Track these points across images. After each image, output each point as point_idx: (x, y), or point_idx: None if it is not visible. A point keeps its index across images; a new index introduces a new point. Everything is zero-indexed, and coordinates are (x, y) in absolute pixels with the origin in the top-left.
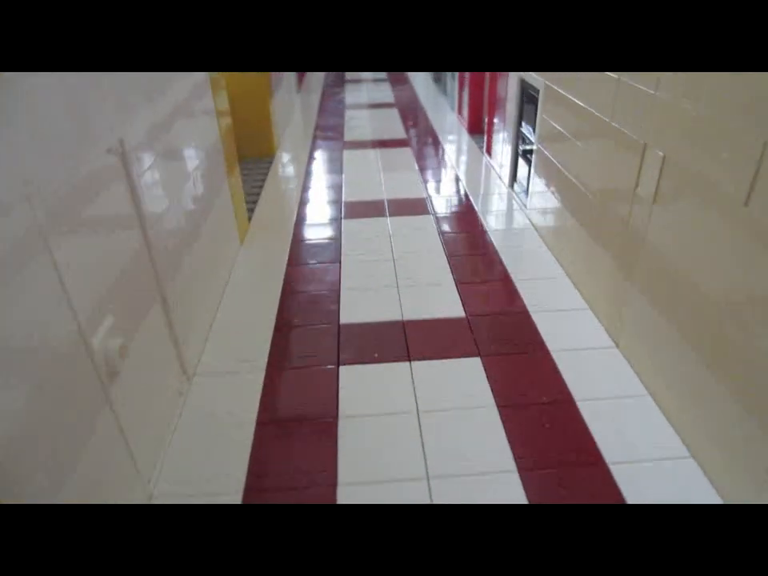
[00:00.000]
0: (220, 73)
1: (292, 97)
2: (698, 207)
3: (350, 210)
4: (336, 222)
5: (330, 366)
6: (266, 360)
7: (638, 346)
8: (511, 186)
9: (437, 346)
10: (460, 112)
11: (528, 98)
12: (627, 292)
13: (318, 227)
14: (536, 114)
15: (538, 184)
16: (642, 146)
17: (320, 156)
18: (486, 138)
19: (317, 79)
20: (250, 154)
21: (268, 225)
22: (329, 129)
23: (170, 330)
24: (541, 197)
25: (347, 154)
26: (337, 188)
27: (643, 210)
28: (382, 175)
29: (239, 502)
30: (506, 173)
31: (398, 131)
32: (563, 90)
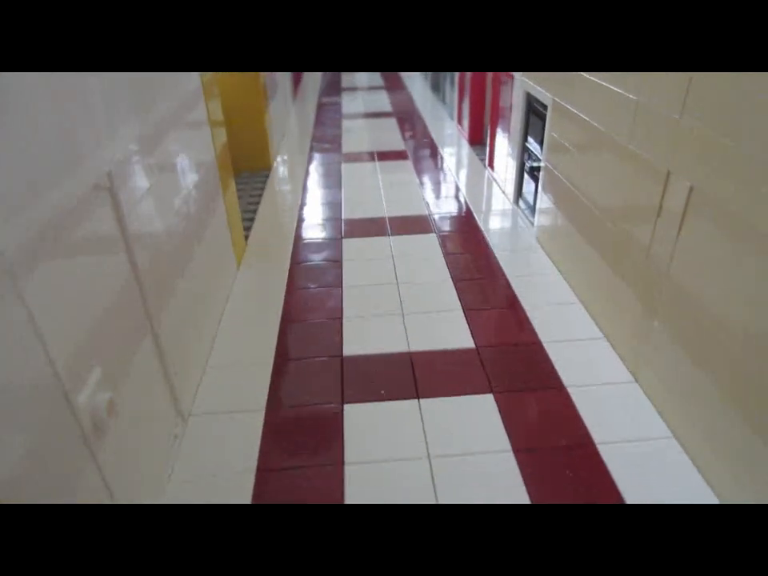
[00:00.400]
0: (214, 81)
1: (287, 105)
2: (727, 241)
3: (351, 228)
4: (336, 241)
5: (333, 405)
6: (266, 398)
7: (659, 381)
8: (516, 202)
9: (446, 382)
10: (460, 122)
11: (534, 112)
12: (648, 325)
13: (317, 248)
14: (543, 130)
15: (546, 203)
16: (664, 173)
17: (318, 169)
18: (488, 150)
19: (312, 87)
20: (246, 167)
21: (266, 245)
22: (326, 140)
23: (163, 369)
24: (550, 217)
25: (346, 168)
26: (336, 205)
27: (666, 240)
28: (382, 190)
29: None
30: (510, 188)
31: (396, 143)
32: (575, 108)
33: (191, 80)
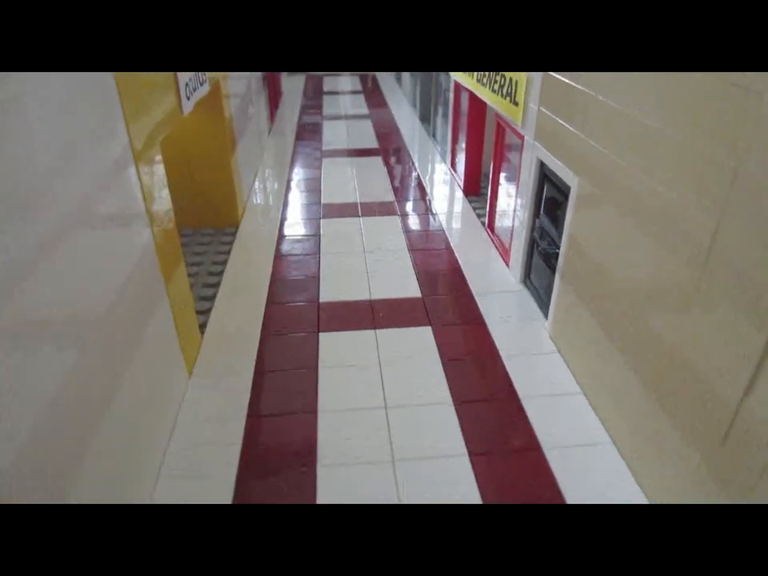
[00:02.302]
0: (153, 140)
1: (262, 140)
2: None
3: (330, 318)
4: (311, 338)
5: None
6: None
7: None
8: (523, 281)
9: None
10: (453, 166)
11: (550, 186)
12: (714, 488)
13: (290, 346)
14: (559, 209)
15: (566, 297)
16: (753, 302)
17: (294, 228)
18: (488, 210)
19: (290, 119)
20: (210, 223)
21: (227, 338)
22: (304, 187)
23: None
24: (571, 316)
25: (326, 226)
26: (313, 283)
27: (738, 380)
28: (367, 261)
29: None
30: (517, 265)
31: (384, 190)
32: (621, 205)
33: (110, 148)
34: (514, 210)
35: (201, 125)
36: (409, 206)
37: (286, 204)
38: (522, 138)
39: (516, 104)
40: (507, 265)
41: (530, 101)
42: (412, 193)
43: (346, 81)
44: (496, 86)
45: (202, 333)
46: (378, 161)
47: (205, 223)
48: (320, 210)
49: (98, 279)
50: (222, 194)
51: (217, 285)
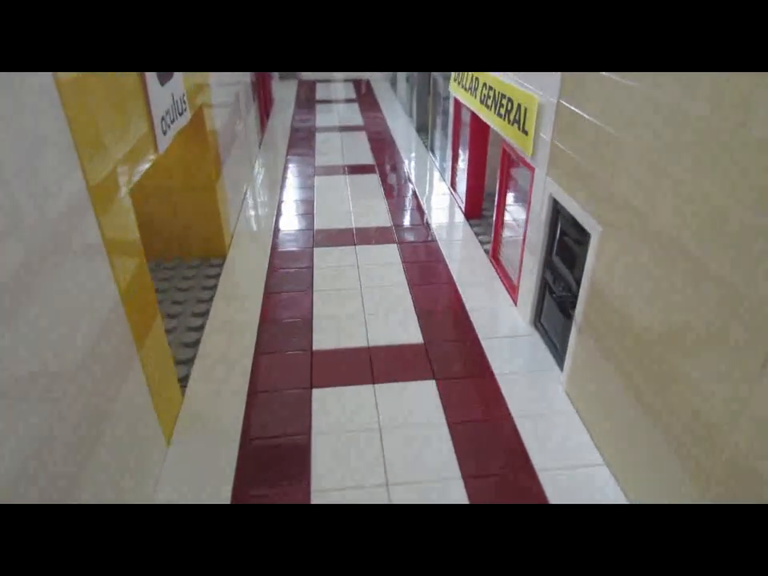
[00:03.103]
0: (111, 182)
1: (251, 155)
2: None
3: (324, 372)
4: (304, 397)
5: None
6: None
7: None
8: (533, 323)
9: None
10: (453, 185)
11: (565, 226)
12: None
13: (280, 406)
14: (576, 252)
15: (585, 352)
16: None
17: (285, 259)
18: (492, 240)
19: (282, 130)
20: (196, 253)
21: (211, 397)
22: (295, 210)
23: None
24: (590, 372)
25: (320, 257)
26: (305, 327)
27: None
28: (363, 300)
29: None
30: (526, 304)
31: (380, 213)
32: (656, 255)
33: (61, 196)
34: (523, 243)
35: (183, 152)
36: (407, 232)
37: (276, 230)
38: (531, 169)
39: (525, 133)
40: (515, 303)
41: (541, 131)
42: (410, 216)
43: (339, 88)
44: (502, 111)
45: (184, 387)
46: (373, 179)
47: (190, 254)
48: (313, 238)
49: (47, 348)
50: (208, 223)
51: (201, 328)
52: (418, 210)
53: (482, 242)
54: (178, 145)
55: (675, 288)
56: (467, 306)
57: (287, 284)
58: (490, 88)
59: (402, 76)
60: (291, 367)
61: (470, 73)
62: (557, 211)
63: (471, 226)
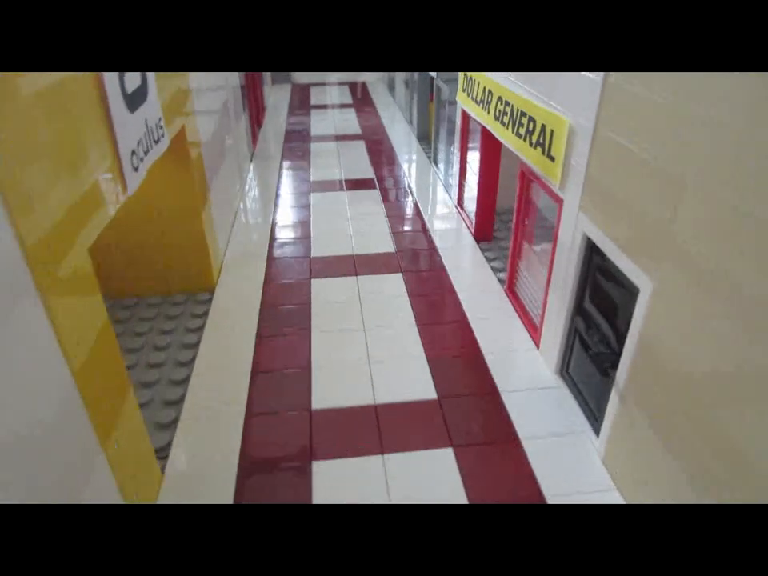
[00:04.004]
0: (60, 238)
1: (242, 171)
2: None
3: (326, 439)
4: (303, 472)
5: None
6: None
7: None
8: (560, 373)
9: None
10: (460, 203)
11: (605, 275)
12: None
13: (275, 487)
14: (615, 303)
15: (629, 419)
16: None
17: (280, 294)
18: (508, 272)
19: (275, 140)
20: (181, 288)
21: (195, 475)
22: (290, 234)
23: None
24: (635, 443)
25: (318, 291)
26: (303, 380)
27: None
28: (368, 345)
29: None
30: (551, 349)
31: (381, 236)
32: (730, 313)
33: None
34: (548, 281)
35: (162, 178)
36: (413, 259)
37: (270, 258)
38: (558, 200)
39: (551, 158)
40: (537, 345)
41: (573, 158)
42: (415, 240)
43: (335, 91)
44: (521, 130)
45: (164, 459)
46: (374, 196)
47: (175, 289)
48: (310, 267)
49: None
50: (193, 255)
51: (186, 380)
52: (424, 231)
53: (494, 269)
54: (157, 169)
55: (757, 356)
56: (483, 349)
57: (282, 324)
58: (507, 103)
59: (400, 79)
60: (288, 433)
61: (481, 84)
62: (591, 252)
63: (482, 250)
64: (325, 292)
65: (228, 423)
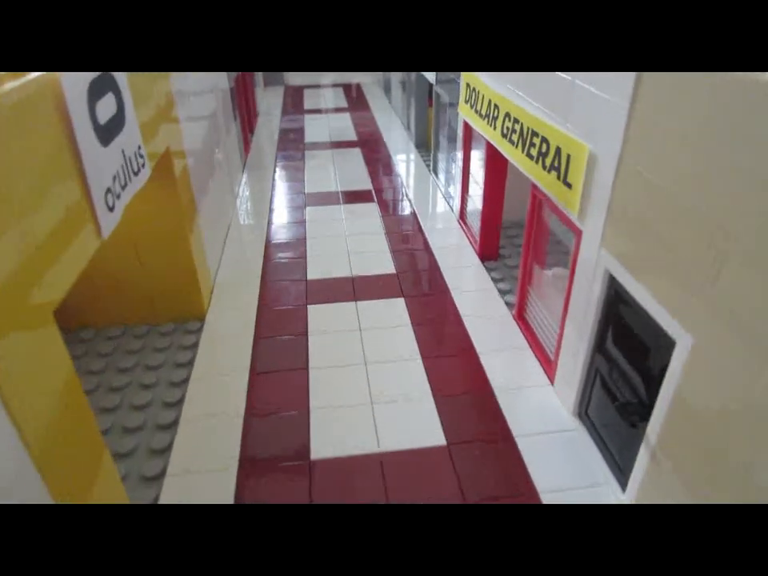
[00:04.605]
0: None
1: (234, 184)
2: None
3: (326, 491)
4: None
5: None
6: None
7: None
8: (578, 414)
9: None
10: (463, 218)
11: (631, 319)
12: None
13: None
14: (645, 351)
15: (665, 483)
16: None
17: (274, 321)
18: (518, 297)
19: (268, 147)
20: (169, 316)
21: None
22: (285, 253)
23: None
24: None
25: (315, 318)
26: (300, 421)
27: None
28: (369, 381)
29: None
30: (567, 388)
31: (383, 256)
32: None
33: None
34: (564, 313)
35: (147, 204)
36: (415, 281)
37: (264, 281)
38: (576, 231)
39: (568, 185)
40: (551, 380)
41: (594, 189)
42: (417, 259)
43: (329, 93)
44: (533, 152)
45: None
46: (372, 210)
47: (162, 318)
48: (306, 291)
49: None
50: (182, 281)
51: (173, 424)
52: (425, 249)
53: (501, 291)
54: (140, 194)
55: None
56: (493, 385)
57: (278, 359)
58: (516, 121)
59: (396, 82)
60: (285, 490)
61: (485, 97)
62: (616, 292)
63: (487, 270)
64: (322, 320)
65: (220, 474)
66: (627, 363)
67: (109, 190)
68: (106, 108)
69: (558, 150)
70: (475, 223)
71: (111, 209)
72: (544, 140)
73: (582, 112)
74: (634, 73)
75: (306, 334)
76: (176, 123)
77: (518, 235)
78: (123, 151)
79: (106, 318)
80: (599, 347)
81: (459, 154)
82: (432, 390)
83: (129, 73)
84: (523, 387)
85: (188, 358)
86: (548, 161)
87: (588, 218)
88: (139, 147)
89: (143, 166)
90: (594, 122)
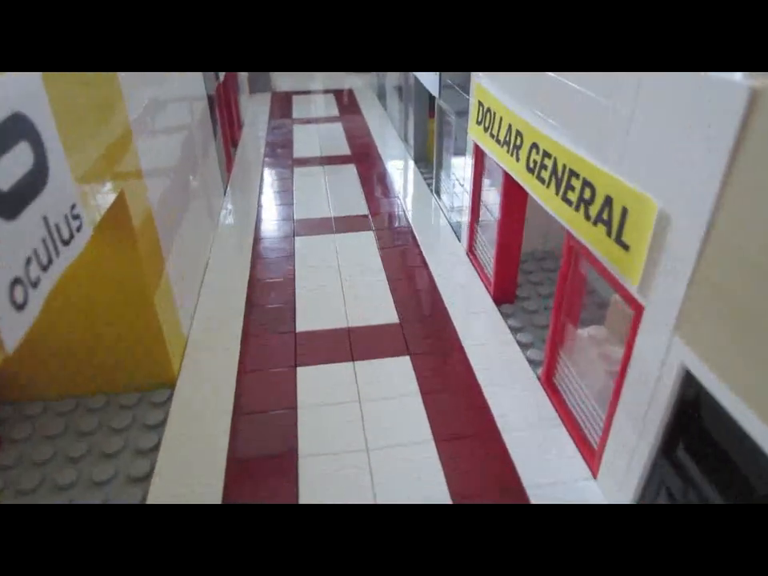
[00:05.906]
0: None
1: (213, 212)
2: None
3: None
4: None
5: None
6: None
7: None
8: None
9: None
10: (472, 250)
11: (717, 424)
12: None
13: None
14: (733, 464)
15: None
16: None
17: (257, 390)
18: (546, 363)
19: (253, 165)
20: (132, 384)
21: None
22: (271, 299)
23: None
24: None
25: (305, 386)
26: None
27: None
28: (373, 476)
29: None
30: (617, 485)
31: (383, 301)
32: None
33: None
34: (614, 401)
35: (96, 264)
36: (422, 334)
37: (246, 333)
38: (636, 306)
39: (624, 247)
40: (594, 474)
41: (665, 258)
42: (423, 304)
43: (319, 100)
44: (571, 196)
45: None
46: (369, 241)
47: (123, 386)
48: (295, 349)
49: None
50: (145, 344)
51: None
52: (432, 292)
53: (521, 345)
54: (87, 254)
55: None
56: (523, 480)
57: (261, 444)
58: (547, 155)
59: (391, 88)
60: None
61: (504, 120)
62: (696, 392)
63: (504, 315)
64: (314, 390)
65: None
66: (708, 483)
67: (17, 282)
68: (11, 166)
69: (609, 200)
70: (487, 258)
71: (21, 306)
72: (587, 184)
73: (644, 152)
74: (743, 101)
75: (294, 407)
76: (134, 159)
77: (536, 270)
78: (45, 219)
79: (56, 389)
80: (665, 451)
81: (468, 182)
82: (449, 489)
83: (61, 105)
84: (560, 482)
85: (152, 443)
86: (593, 211)
87: (654, 293)
88: (73, 206)
89: (79, 228)
90: (669, 171)
